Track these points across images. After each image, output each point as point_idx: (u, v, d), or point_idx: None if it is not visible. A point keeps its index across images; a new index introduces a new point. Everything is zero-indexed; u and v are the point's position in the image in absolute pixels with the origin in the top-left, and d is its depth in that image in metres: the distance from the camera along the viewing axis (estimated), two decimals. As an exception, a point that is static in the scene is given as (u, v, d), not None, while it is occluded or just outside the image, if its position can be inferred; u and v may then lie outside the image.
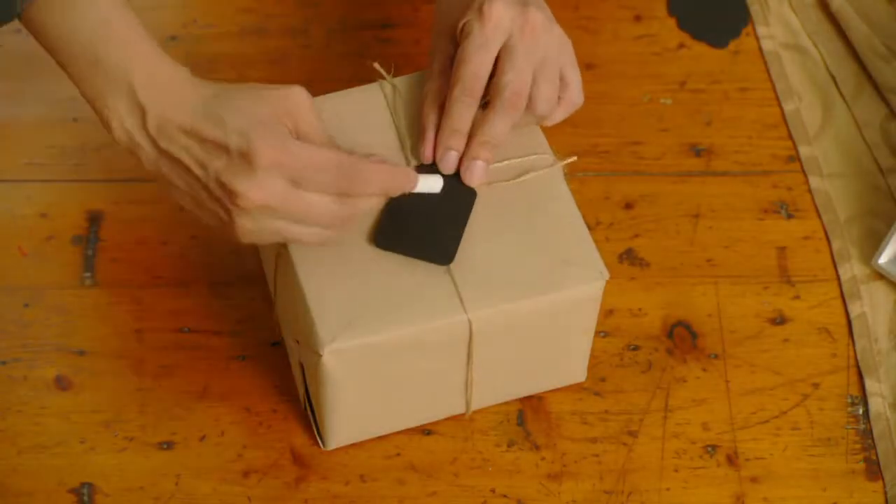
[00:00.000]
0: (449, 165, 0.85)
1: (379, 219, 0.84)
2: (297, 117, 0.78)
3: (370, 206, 0.81)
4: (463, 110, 0.84)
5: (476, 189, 0.86)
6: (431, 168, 0.85)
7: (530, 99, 0.85)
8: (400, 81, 0.90)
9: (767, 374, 0.94)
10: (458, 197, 0.85)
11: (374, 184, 0.79)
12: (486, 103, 0.85)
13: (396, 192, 0.81)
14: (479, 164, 0.85)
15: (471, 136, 0.85)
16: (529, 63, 0.84)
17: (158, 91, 0.77)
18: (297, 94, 0.78)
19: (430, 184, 0.83)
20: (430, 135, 0.85)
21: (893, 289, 0.97)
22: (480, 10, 0.83)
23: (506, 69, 0.84)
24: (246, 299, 0.95)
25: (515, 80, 0.83)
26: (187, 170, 0.77)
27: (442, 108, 0.85)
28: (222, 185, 0.76)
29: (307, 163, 0.76)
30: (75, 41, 0.77)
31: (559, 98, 0.86)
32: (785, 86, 1.07)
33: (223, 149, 0.76)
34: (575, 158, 0.88)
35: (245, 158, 0.75)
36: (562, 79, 0.86)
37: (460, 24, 0.85)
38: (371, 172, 0.79)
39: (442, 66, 0.86)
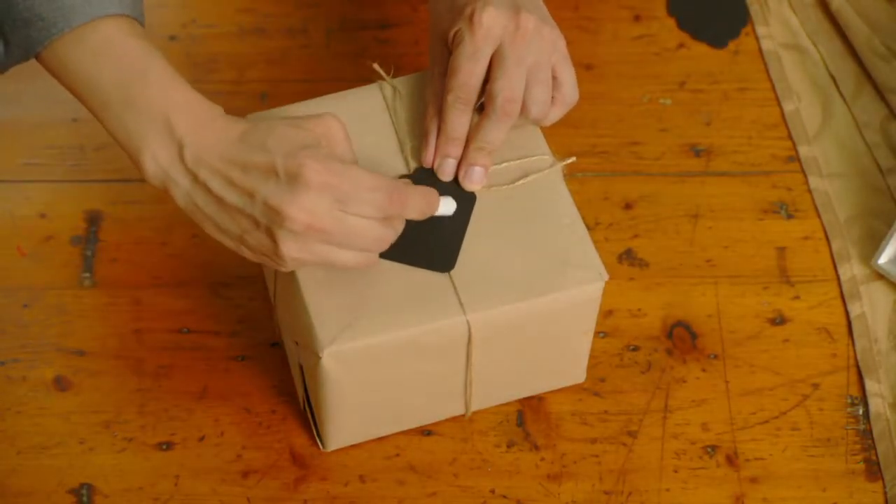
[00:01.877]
0: (447, 172, 0.85)
1: None
2: (333, 143, 0.78)
3: (401, 228, 0.81)
4: (457, 118, 0.84)
5: (475, 192, 0.86)
6: (432, 173, 0.86)
7: (524, 103, 0.85)
8: (399, 82, 0.90)
9: (767, 374, 0.94)
10: (458, 203, 0.85)
11: (414, 207, 0.79)
12: (482, 106, 0.85)
13: (427, 216, 0.81)
14: (477, 170, 0.85)
15: (467, 143, 0.85)
16: (521, 68, 0.84)
17: (196, 126, 0.76)
18: (332, 121, 0.78)
19: (446, 208, 0.83)
20: (432, 140, 0.86)
21: (893, 289, 0.97)
22: (471, 19, 0.83)
23: (497, 76, 0.84)
24: (245, 300, 0.95)
25: (507, 87, 0.83)
26: (227, 201, 0.76)
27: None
28: (270, 209, 0.75)
29: (356, 185, 0.76)
30: (104, 80, 0.76)
31: (553, 97, 0.86)
32: (784, 86, 1.07)
33: (271, 172, 0.75)
34: (574, 159, 0.88)
35: (294, 180, 0.74)
36: (555, 77, 0.86)
37: (451, 32, 0.85)
38: (412, 196, 0.79)
39: (440, 70, 0.86)
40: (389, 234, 0.79)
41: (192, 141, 0.76)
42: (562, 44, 0.86)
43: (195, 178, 0.76)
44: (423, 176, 0.86)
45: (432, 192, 0.81)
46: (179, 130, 0.76)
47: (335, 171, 0.75)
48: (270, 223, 0.76)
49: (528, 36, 0.83)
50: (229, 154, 0.76)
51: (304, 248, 0.77)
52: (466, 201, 0.85)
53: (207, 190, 0.77)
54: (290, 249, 0.76)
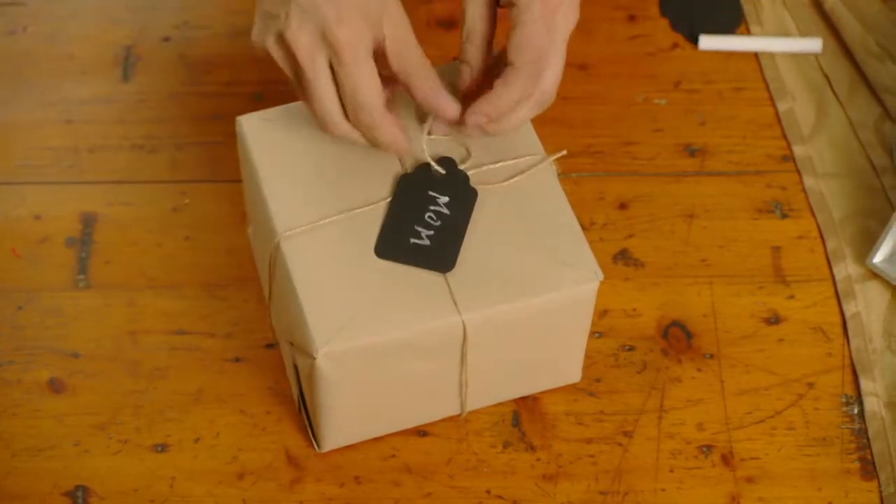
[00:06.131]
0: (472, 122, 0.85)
1: (381, 228, 0.84)
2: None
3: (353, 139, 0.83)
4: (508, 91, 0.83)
5: (478, 193, 0.86)
6: (425, 174, 0.85)
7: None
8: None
9: (762, 373, 0.94)
10: (459, 204, 0.85)
11: (379, 138, 0.82)
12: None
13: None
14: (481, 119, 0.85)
15: (486, 101, 0.84)
16: (550, 32, 0.82)
17: None
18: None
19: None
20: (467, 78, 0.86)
21: (888, 288, 0.97)
22: None
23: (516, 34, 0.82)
24: (240, 301, 0.95)
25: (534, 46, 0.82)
26: None
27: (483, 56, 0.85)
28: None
29: (357, 78, 0.80)
30: None
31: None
32: (779, 85, 1.07)
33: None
34: (565, 152, 0.88)
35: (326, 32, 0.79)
36: None
37: None
38: (384, 131, 0.82)
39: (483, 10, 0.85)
40: (340, 129, 0.82)
41: None
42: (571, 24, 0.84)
43: None
44: (417, 177, 0.86)
45: (407, 148, 0.84)
46: None
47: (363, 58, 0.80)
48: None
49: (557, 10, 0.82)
50: None
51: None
52: (468, 199, 0.85)
53: None
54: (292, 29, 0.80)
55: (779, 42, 1.03)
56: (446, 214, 0.84)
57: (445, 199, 0.85)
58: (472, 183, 0.86)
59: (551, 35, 0.82)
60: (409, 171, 0.86)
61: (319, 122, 0.83)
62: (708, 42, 1.04)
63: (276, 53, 0.82)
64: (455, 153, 0.87)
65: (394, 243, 0.83)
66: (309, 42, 0.80)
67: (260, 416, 0.91)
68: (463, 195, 0.85)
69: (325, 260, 0.83)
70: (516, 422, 0.91)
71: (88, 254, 0.97)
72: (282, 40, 0.81)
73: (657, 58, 1.08)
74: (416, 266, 0.83)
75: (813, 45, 1.00)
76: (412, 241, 0.83)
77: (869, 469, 0.90)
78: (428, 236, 0.84)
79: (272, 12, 0.81)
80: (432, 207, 0.85)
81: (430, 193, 0.85)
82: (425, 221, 0.84)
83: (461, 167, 0.86)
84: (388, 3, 0.81)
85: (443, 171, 0.85)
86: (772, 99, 1.06)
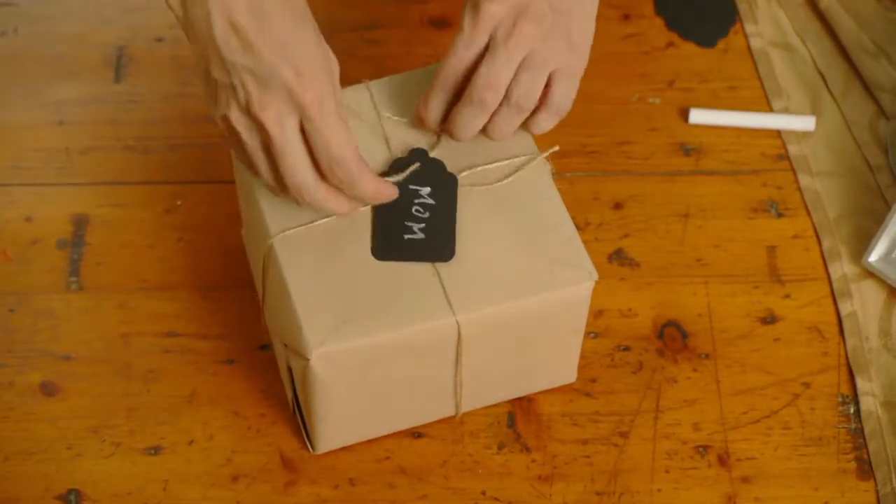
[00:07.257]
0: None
1: (373, 231, 0.84)
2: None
3: (335, 208, 0.81)
4: (434, 103, 0.84)
5: (462, 187, 0.85)
6: (411, 163, 0.85)
7: (508, 90, 0.83)
8: (387, 83, 0.89)
9: (758, 373, 0.94)
10: (442, 192, 0.85)
11: (361, 191, 0.80)
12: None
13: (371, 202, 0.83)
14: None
15: (446, 122, 0.85)
16: (510, 63, 0.82)
17: None
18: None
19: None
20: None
21: (883, 287, 0.97)
22: (475, 6, 0.82)
23: (483, 64, 0.82)
24: (233, 302, 0.95)
25: (489, 75, 0.82)
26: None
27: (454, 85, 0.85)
28: (246, 88, 0.76)
29: (328, 133, 0.77)
30: None
31: (540, 102, 0.85)
32: (774, 84, 1.06)
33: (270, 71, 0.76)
34: (557, 148, 0.87)
35: (290, 93, 0.76)
36: (548, 84, 0.84)
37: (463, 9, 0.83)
38: (364, 182, 0.80)
39: None
40: (317, 195, 0.80)
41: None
42: (565, 59, 0.84)
43: None
44: (402, 165, 0.85)
45: (390, 188, 0.83)
46: None
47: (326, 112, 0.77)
48: (242, 96, 0.77)
49: (522, 39, 0.82)
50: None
51: (241, 130, 0.78)
52: (449, 185, 0.85)
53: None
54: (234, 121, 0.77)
55: (771, 119, 1.03)
56: (432, 205, 0.84)
57: (427, 189, 0.85)
58: (465, 183, 0.86)
59: (510, 62, 0.82)
60: (386, 169, 0.86)
61: (293, 192, 0.80)
62: (698, 116, 1.03)
63: (242, 125, 0.78)
64: (423, 141, 0.87)
65: (389, 243, 0.83)
66: (277, 110, 0.76)
67: (254, 419, 0.91)
68: (443, 182, 0.85)
69: (319, 261, 0.83)
70: (511, 423, 0.91)
71: (80, 256, 0.97)
72: (247, 112, 0.77)
73: (651, 57, 1.08)
74: (416, 261, 0.83)
75: (806, 123, 1.00)
76: (406, 237, 0.83)
77: (865, 469, 0.90)
78: (420, 229, 0.84)
79: (224, 81, 0.77)
80: (417, 200, 0.84)
81: (412, 187, 0.85)
82: (413, 216, 0.84)
83: (432, 154, 0.86)
84: (327, 47, 0.79)
85: (417, 164, 0.85)
86: (767, 98, 1.06)
